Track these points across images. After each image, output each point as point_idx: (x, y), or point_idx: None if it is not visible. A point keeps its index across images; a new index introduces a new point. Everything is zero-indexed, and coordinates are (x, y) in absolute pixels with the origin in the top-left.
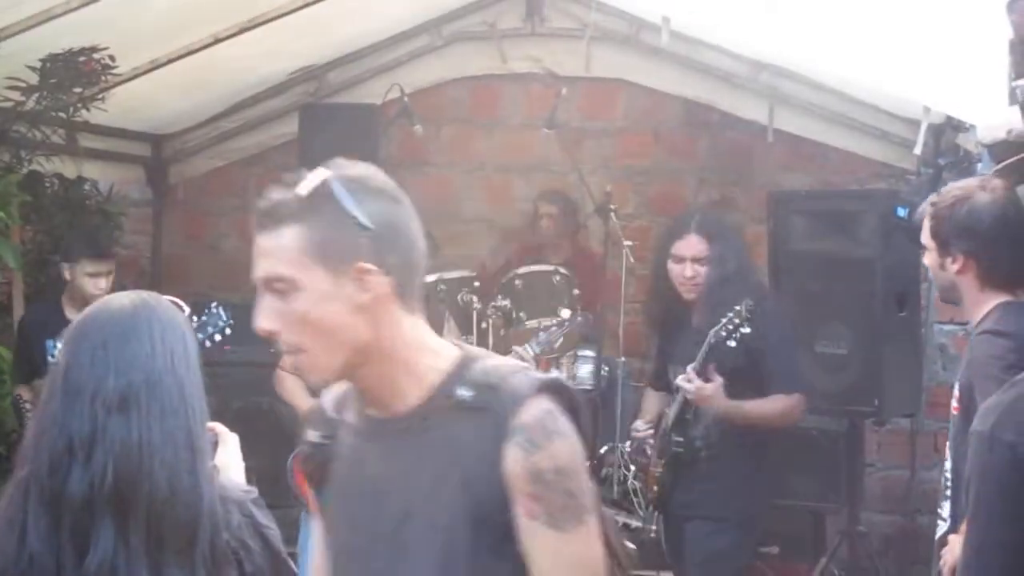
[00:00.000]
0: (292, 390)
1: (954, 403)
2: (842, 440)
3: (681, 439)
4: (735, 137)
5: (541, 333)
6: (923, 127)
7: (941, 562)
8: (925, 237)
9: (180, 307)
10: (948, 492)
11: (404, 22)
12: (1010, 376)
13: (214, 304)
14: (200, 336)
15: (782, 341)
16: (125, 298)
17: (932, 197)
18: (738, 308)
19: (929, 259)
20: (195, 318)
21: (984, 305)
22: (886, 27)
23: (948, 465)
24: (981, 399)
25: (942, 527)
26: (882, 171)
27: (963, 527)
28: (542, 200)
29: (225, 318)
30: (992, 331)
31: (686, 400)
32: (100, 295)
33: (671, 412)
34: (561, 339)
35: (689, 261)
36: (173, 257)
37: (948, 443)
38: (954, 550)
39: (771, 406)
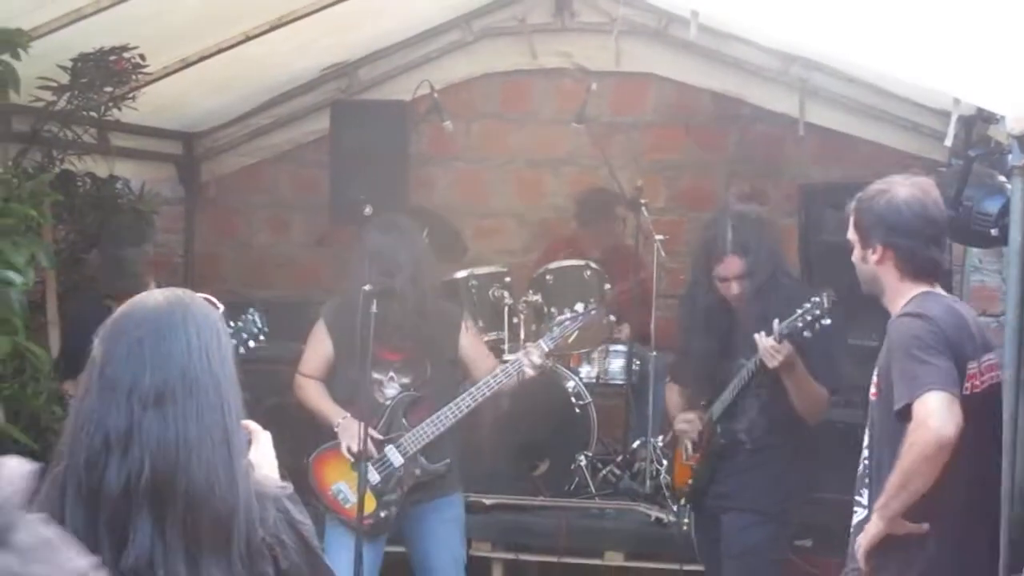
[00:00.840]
0: (312, 394)
1: (872, 388)
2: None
3: (727, 430)
4: (765, 130)
5: (555, 328)
6: (953, 119)
7: (856, 546)
8: (850, 231)
9: (214, 304)
10: (867, 480)
11: (434, 18)
12: (928, 356)
13: (251, 310)
14: (234, 342)
15: (826, 335)
16: (160, 295)
17: (859, 193)
18: (817, 300)
19: (854, 253)
20: (231, 323)
21: (903, 296)
22: (916, 19)
23: (866, 453)
24: (898, 379)
25: (860, 513)
26: (913, 163)
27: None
28: (619, 204)
29: (260, 324)
30: (911, 313)
31: (741, 389)
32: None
33: (719, 404)
34: (575, 334)
35: (733, 281)
36: (205, 255)
37: (867, 429)
38: (869, 533)
39: (821, 392)
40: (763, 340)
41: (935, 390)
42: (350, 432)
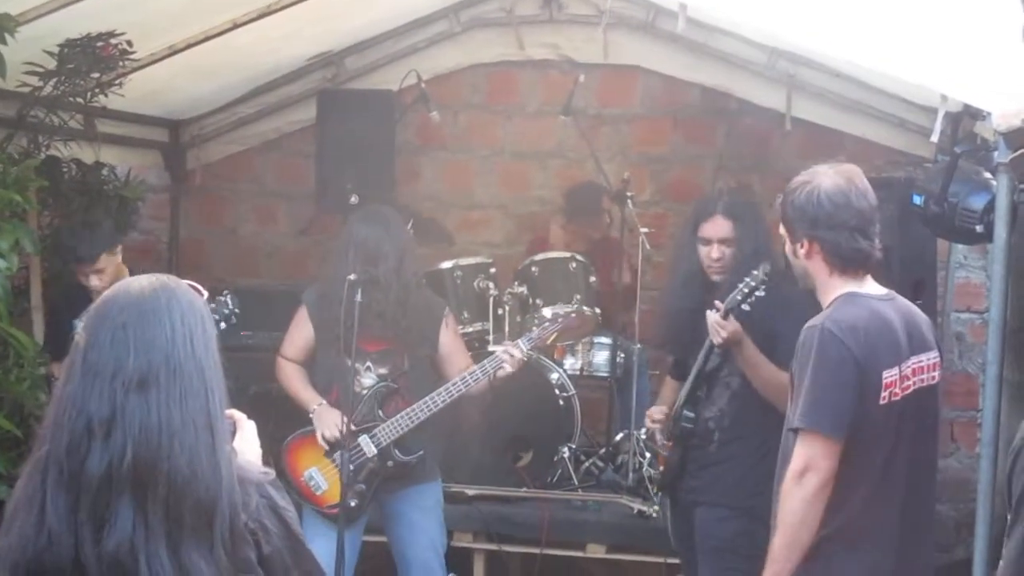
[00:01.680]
0: (291, 377)
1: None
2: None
3: (692, 415)
4: (752, 124)
5: (534, 328)
6: (940, 115)
7: None
8: (781, 226)
9: (199, 291)
10: None
11: (421, 8)
12: (829, 381)
13: (225, 292)
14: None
15: (795, 321)
16: (145, 280)
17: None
18: (755, 272)
19: (786, 247)
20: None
21: (832, 293)
22: (903, 15)
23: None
24: (799, 394)
25: None
26: (899, 159)
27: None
28: (604, 195)
29: (231, 307)
30: (822, 327)
31: (699, 375)
32: (102, 288)
33: (684, 388)
34: (554, 336)
35: (716, 243)
36: (190, 242)
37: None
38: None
39: (782, 377)
40: (710, 315)
41: (823, 434)
42: (325, 420)
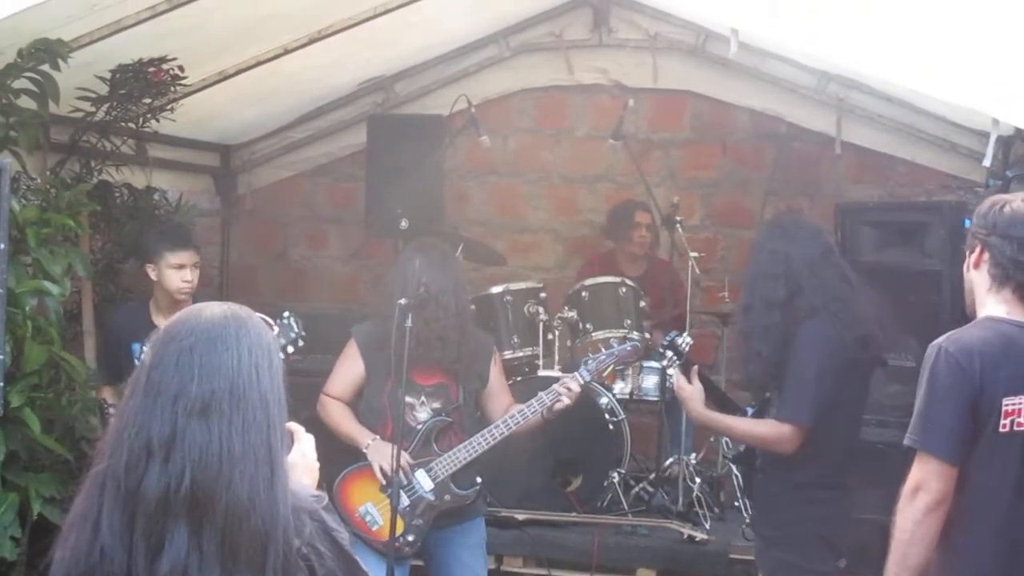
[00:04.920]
0: (338, 416)
1: None
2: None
3: (742, 447)
4: (802, 148)
5: (591, 361)
6: (992, 139)
7: None
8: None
9: (269, 325)
10: None
11: (471, 33)
12: (940, 402)
13: (285, 314)
14: (281, 341)
15: (800, 368)
16: (217, 308)
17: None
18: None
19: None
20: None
21: (981, 312)
22: (954, 39)
23: None
24: (915, 412)
25: None
26: (950, 183)
27: None
28: (637, 209)
29: (297, 329)
30: (941, 346)
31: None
32: (187, 288)
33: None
34: (610, 368)
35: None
36: (241, 266)
37: None
38: None
39: (750, 429)
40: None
41: (936, 456)
42: (381, 453)
